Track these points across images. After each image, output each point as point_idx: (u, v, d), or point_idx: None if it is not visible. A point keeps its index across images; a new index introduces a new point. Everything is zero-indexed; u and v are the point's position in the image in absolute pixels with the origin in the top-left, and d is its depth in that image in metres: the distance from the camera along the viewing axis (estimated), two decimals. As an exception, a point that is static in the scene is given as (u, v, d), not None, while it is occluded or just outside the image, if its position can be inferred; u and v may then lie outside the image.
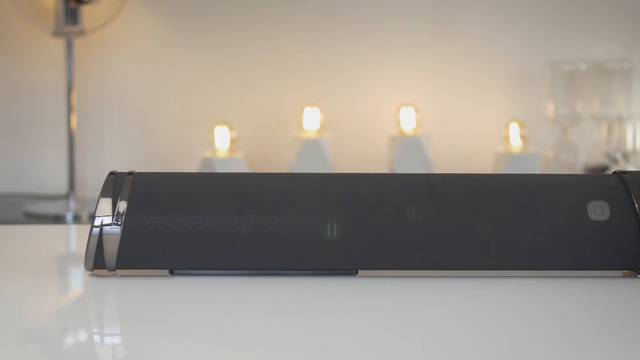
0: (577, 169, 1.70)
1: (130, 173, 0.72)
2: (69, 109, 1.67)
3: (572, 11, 1.78)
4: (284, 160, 1.71)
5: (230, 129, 1.67)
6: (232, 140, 1.67)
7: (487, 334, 0.60)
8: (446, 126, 1.77)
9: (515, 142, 1.70)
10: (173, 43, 1.75)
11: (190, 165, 1.70)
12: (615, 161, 1.69)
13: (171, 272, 0.71)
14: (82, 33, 1.67)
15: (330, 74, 1.76)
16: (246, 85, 1.75)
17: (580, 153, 1.72)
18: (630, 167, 1.68)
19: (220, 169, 1.63)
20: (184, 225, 0.70)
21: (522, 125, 1.71)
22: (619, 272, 0.77)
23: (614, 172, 0.77)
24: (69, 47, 1.66)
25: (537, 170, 1.65)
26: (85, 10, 1.67)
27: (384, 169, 1.72)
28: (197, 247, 0.70)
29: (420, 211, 0.73)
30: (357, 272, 0.74)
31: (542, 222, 0.73)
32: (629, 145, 1.70)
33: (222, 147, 1.66)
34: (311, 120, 1.70)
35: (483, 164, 1.74)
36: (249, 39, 1.75)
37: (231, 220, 0.70)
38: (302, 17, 1.76)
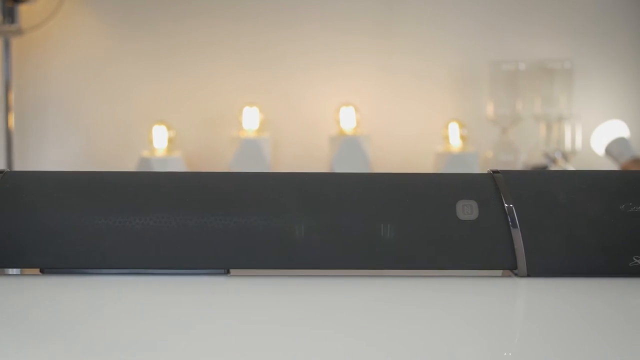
0: (517, 168, 1.71)
1: (1, 171, 0.73)
2: (7, 109, 1.67)
3: (514, 11, 1.79)
4: (223, 160, 1.72)
5: (169, 128, 1.67)
6: (170, 140, 1.67)
7: (349, 332, 0.60)
8: (387, 126, 1.78)
9: (455, 142, 1.71)
10: (112, 42, 1.75)
11: (130, 164, 1.70)
12: (554, 161, 1.70)
13: (42, 271, 0.72)
14: (19, 32, 1.67)
15: (271, 73, 1.77)
16: (186, 85, 1.76)
17: (521, 153, 1.73)
18: (570, 167, 1.69)
19: (158, 168, 1.63)
20: (51, 223, 0.71)
21: (461, 125, 1.72)
22: (498, 272, 0.78)
23: (488, 172, 0.77)
24: (7, 46, 1.67)
25: (476, 170, 1.67)
26: (23, 9, 1.67)
27: (324, 169, 1.73)
28: (64, 246, 0.71)
29: (289, 210, 0.73)
30: (228, 272, 0.75)
31: (411, 221, 0.74)
32: (569, 144, 1.72)
33: (160, 147, 1.67)
34: (250, 119, 1.71)
35: (423, 164, 1.75)
36: (189, 39, 1.76)
37: (98, 220, 0.71)
38: (242, 16, 1.77)
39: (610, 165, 1.74)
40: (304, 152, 1.77)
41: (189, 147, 1.75)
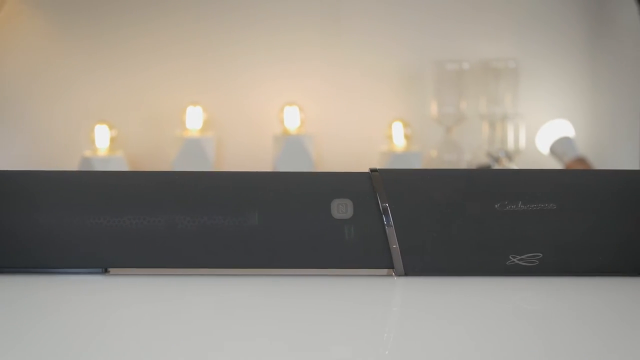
0: (461, 168, 1.72)
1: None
2: (-51, 108, 1.67)
3: (460, 11, 1.80)
4: (167, 159, 1.72)
5: (110, 127, 1.68)
6: (112, 139, 1.68)
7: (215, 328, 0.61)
8: (332, 125, 1.78)
9: (399, 142, 1.72)
10: (55, 41, 1.75)
11: (72, 164, 1.70)
12: (497, 160, 1.71)
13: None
14: (-39, 31, 1.67)
15: (215, 72, 1.78)
16: (131, 84, 1.76)
17: (465, 152, 1.73)
18: (513, 166, 1.70)
19: (99, 168, 1.63)
20: None
21: (405, 124, 1.73)
22: (377, 271, 0.79)
23: (369, 170, 0.78)
24: (-52, 45, 1.67)
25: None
26: (-35, 8, 1.68)
27: (268, 168, 1.73)
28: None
29: (165, 210, 0.74)
30: (107, 271, 0.76)
31: (287, 219, 0.74)
32: (513, 144, 1.73)
33: (102, 146, 1.67)
34: (194, 119, 1.71)
35: (368, 163, 1.75)
36: (132, 39, 1.76)
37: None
38: (186, 16, 1.77)
39: (554, 164, 1.75)
40: (249, 152, 1.78)
41: (133, 147, 1.75)
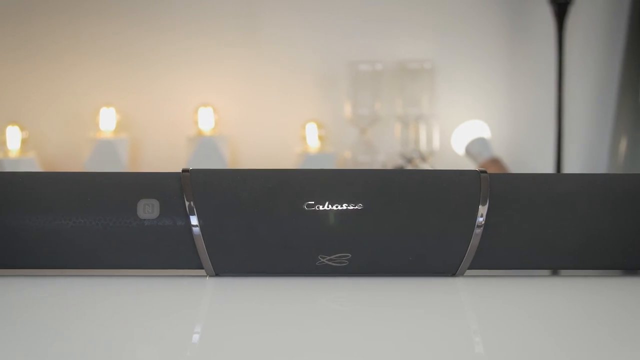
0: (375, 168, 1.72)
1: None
2: None
3: (377, 11, 1.80)
4: (80, 161, 1.72)
5: (22, 128, 1.68)
6: (24, 141, 1.68)
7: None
8: (247, 126, 1.79)
9: (313, 143, 1.72)
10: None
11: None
12: (410, 161, 1.71)
13: None
14: None
15: (130, 73, 1.78)
16: (43, 85, 1.76)
17: (379, 154, 1.74)
18: (427, 167, 1.71)
19: (10, 169, 1.63)
20: None
21: (320, 125, 1.73)
22: (189, 271, 0.79)
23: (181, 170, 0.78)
24: None
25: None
26: None
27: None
28: None
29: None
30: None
31: (91, 220, 0.74)
32: (427, 145, 1.73)
33: (13, 148, 1.67)
34: (107, 120, 1.71)
35: (284, 165, 1.76)
36: (44, 38, 1.76)
37: None
38: (99, 15, 1.77)
39: (470, 165, 1.75)
40: (164, 153, 1.78)
41: (46, 148, 1.75)
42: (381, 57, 1.78)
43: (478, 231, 0.74)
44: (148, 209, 0.74)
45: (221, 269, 0.76)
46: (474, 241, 0.74)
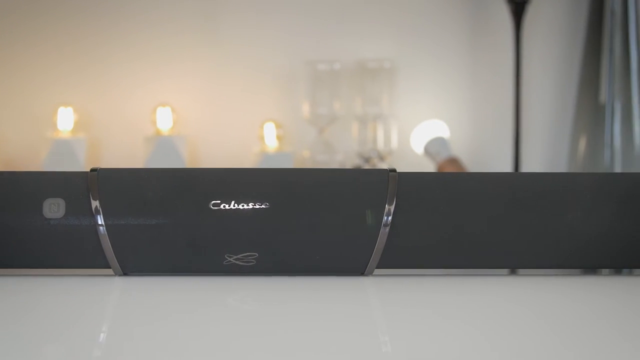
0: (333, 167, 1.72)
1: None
2: None
3: (336, 11, 1.80)
4: (37, 161, 1.72)
5: (-21, 129, 1.68)
6: (-19, 141, 1.68)
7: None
8: (206, 126, 1.79)
9: (271, 142, 1.72)
10: None
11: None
12: (367, 160, 1.71)
13: None
14: None
15: (89, 73, 1.78)
16: (2, 85, 1.76)
17: (338, 153, 1.74)
18: (384, 166, 1.71)
19: (-33, 169, 1.63)
20: None
21: (278, 125, 1.73)
22: (105, 270, 0.79)
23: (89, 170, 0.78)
24: None
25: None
26: None
27: (142, 169, 1.73)
28: None
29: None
30: None
31: (4, 219, 0.74)
32: (387, 144, 1.73)
33: (-30, 148, 1.67)
34: (65, 120, 1.71)
35: (242, 165, 1.76)
36: (3, 38, 1.76)
37: None
38: (56, 13, 1.77)
39: (428, 164, 1.75)
40: (123, 153, 1.78)
41: (3, 148, 1.75)
42: (341, 56, 1.78)
43: (385, 230, 0.74)
44: (54, 208, 0.74)
45: (129, 268, 0.76)
46: (381, 240, 0.75)
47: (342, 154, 1.76)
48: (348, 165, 1.76)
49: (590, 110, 1.76)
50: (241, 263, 0.75)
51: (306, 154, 1.75)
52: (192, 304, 0.70)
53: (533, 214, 0.75)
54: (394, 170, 0.77)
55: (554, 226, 0.75)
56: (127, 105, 1.78)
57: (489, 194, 0.76)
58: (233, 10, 1.79)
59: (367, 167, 1.72)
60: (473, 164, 1.79)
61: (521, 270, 0.82)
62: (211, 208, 0.74)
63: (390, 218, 0.74)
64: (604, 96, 1.74)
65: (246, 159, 1.77)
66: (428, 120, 1.79)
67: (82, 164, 1.70)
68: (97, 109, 1.78)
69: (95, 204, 0.74)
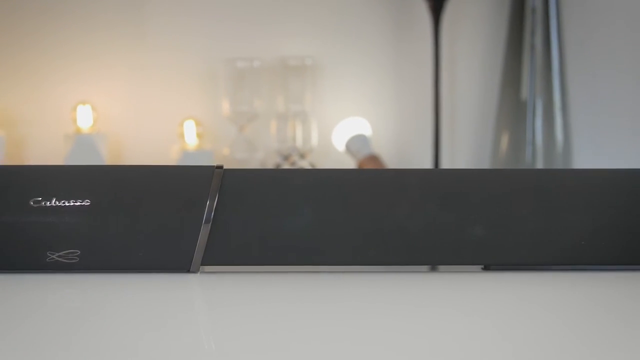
0: (253, 166, 1.72)
1: None
2: None
3: (259, 9, 1.80)
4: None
5: None
6: None
7: None
8: (127, 124, 1.78)
9: (191, 140, 1.72)
10: None
11: None
12: (286, 158, 1.71)
13: None
14: None
15: (9, 70, 1.77)
16: None
17: (258, 151, 1.74)
18: (305, 164, 1.71)
19: None
20: None
21: (198, 123, 1.73)
22: None
23: None
24: None
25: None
26: None
27: (62, 167, 1.72)
28: None
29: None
30: None
31: None
32: (307, 142, 1.73)
33: None
34: (-16, 118, 1.71)
35: (163, 162, 1.75)
36: None
37: None
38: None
39: (349, 161, 1.75)
40: (45, 151, 1.78)
41: None
42: (263, 54, 1.78)
43: (207, 226, 0.74)
44: None
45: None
46: (203, 236, 0.74)
47: (262, 151, 1.76)
48: (269, 164, 1.75)
49: (513, 107, 1.76)
50: (64, 260, 0.75)
51: (226, 152, 1.75)
52: (14, 301, 0.70)
53: (363, 210, 0.75)
54: (220, 167, 0.77)
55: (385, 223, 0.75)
56: (48, 103, 1.78)
57: (314, 189, 0.76)
58: (156, 8, 1.79)
59: (286, 165, 1.72)
60: (396, 161, 1.80)
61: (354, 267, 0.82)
62: (32, 205, 0.74)
63: (212, 214, 0.74)
64: (525, 93, 1.75)
65: (167, 157, 1.76)
66: (350, 117, 1.79)
67: (1, 162, 1.70)
68: (19, 106, 1.77)
69: None
